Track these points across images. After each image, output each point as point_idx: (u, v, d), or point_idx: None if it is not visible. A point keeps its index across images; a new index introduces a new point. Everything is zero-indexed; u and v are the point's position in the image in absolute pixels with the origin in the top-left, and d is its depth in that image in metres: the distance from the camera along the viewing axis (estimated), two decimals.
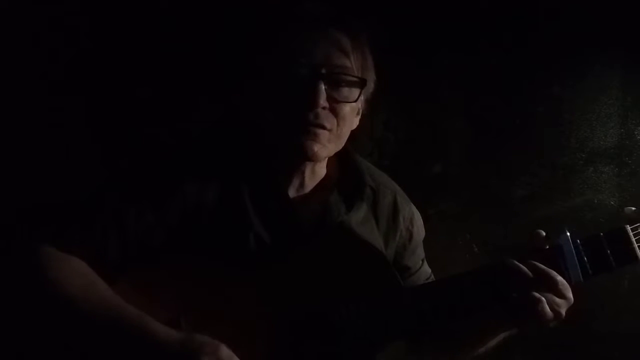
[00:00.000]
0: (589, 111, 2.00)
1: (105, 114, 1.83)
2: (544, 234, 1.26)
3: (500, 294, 1.22)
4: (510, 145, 2.00)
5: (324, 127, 1.24)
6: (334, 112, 1.25)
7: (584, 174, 2.01)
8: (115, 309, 1.11)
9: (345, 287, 1.21)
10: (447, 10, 1.91)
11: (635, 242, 1.23)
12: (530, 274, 1.20)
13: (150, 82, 1.83)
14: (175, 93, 1.84)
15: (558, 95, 1.99)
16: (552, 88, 1.99)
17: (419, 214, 1.49)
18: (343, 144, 1.32)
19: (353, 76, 1.26)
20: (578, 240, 1.24)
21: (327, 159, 1.34)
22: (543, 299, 1.18)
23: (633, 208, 1.26)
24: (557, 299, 1.20)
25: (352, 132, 1.34)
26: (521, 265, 1.21)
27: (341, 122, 1.26)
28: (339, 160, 1.39)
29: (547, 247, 1.25)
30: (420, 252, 1.49)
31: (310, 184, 1.35)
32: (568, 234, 1.24)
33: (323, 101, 1.22)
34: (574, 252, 1.23)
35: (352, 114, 1.30)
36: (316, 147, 1.24)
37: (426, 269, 1.49)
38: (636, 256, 1.23)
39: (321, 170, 1.36)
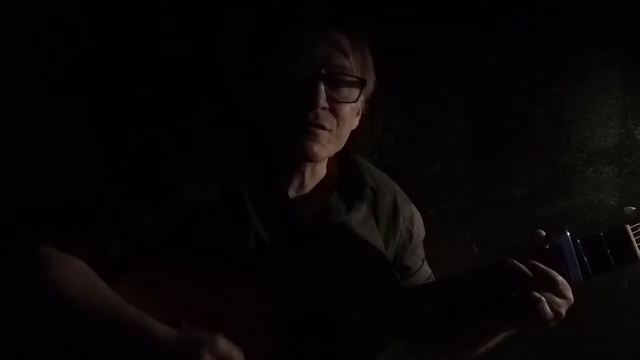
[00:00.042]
0: (589, 111, 2.00)
1: (105, 114, 1.83)
2: (544, 234, 1.26)
3: (500, 293, 1.22)
4: (510, 145, 2.00)
5: (323, 128, 1.24)
6: (334, 112, 1.25)
7: (584, 174, 2.01)
8: (115, 309, 1.11)
9: (345, 287, 1.21)
10: (447, 10, 1.91)
11: (635, 242, 1.23)
12: (530, 273, 1.20)
13: (150, 82, 1.83)
14: (175, 93, 1.84)
15: (558, 95, 1.99)
16: (552, 88, 1.99)
17: (419, 214, 1.49)
18: (343, 144, 1.32)
19: (353, 76, 1.26)
20: (578, 240, 1.24)
21: (327, 159, 1.34)
22: (543, 298, 1.18)
23: (633, 208, 1.26)
24: (557, 299, 1.20)
25: (352, 132, 1.34)
26: (521, 265, 1.21)
27: (341, 122, 1.26)
28: (339, 160, 1.39)
29: (547, 247, 1.25)
30: (421, 252, 1.49)
31: (310, 184, 1.35)
32: (568, 234, 1.24)
33: (323, 101, 1.22)
34: (574, 252, 1.23)
35: (352, 114, 1.30)
36: (316, 148, 1.24)
37: (426, 269, 1.49)
38: (636, 256, 1.23)
39: (321, 170, 1.36)
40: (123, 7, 1.81)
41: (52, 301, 1.11)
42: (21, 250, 1.15)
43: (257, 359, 1.14)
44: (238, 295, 1.20)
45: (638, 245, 1.23)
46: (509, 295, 1.21)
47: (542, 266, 1.21)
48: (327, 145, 1.26)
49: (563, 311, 1.21)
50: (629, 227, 1.24)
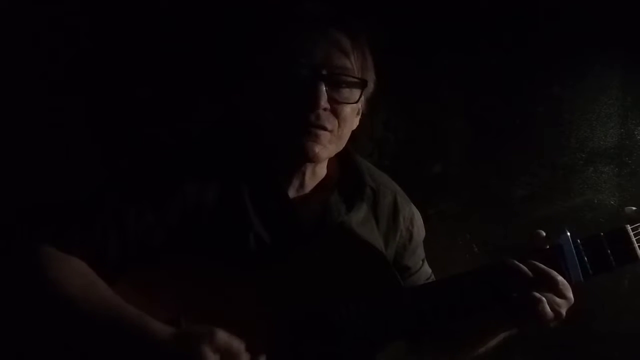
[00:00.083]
0: (589, 111, 2.00)
1: (105, 114, 1.83)
2: (544, 234, 1.26)
3: (500, 294, 1.22)
4: (510, 145, 2.00)
5: (324, 128, 1.24)
6: (335, 113, 1.25)
7: (584, 174, 2.01)
8: (115, 309, 1.11)
9: (346, 288, 1.21)
10: (447, 10, 1.91)
11: (635, 242, 1.23)
12: (530, 273, 1.20)
13: (150, 82, 1.83)
14: (175, 93, 1.84)
15: (558, 95, 1.99)
16: (552, 88, 1.99)
17: (419, 214, 1.49)
18: (344, 145, 1.32)
19: (354, 77, 1.26)
20: (578, 240, 1.24)
21: (327, 159, 1.34)
22: (543, 299, 1.18)
23: (633, 208, 1.26)
24: (558, 299, 1.20)
25: (353, 132, 1.34)
26: (521, 265, 1.21)
27: (342, 123, 1.26)
28: (340, 160, 1.39)
29: (547, 247, 1.25)
30: (421, 253, 1.49)
31: (310, 184, 1.35)
32: (568, 233, 1.24)
33: (324, 102, 1.22)
34: (574, 252, 1.23)
35: (352, 115, 1.30)
36: (317, 149, 1.24)
37: (426, 269, 1.49)
38: (636, 256, 1.23)
39: (321, 170, 1.36)
40: (123, 7, 1.81)
41: (52, 301, 1.11)
42: (21, 250, 1.15)
43: (258, 354, 1.14)
44: (238, 295, 1.20)
45: (638, 245, 1.23)
46: (509, 296, 1.21)
47: (543, 266, 1.21)
48: (328, 145, 1.26)
49: (563, 311, 1.21)
50: (629, 227, 1.24)
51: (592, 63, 1.97)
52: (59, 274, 1.13)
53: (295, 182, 1.33)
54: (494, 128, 2.00)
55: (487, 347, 1.36)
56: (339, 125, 1.26)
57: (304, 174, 1.33)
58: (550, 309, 1.18)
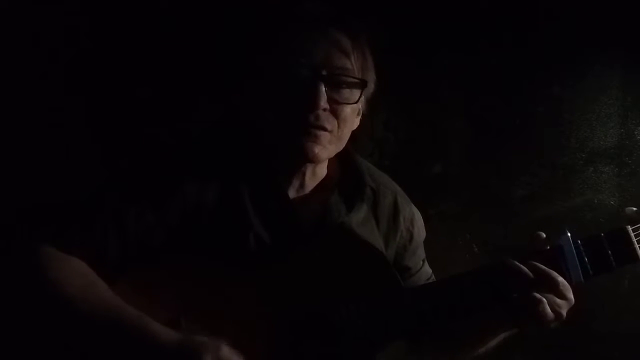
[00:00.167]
0: (589, 111, 2.00)
1: (105, 114, 1.83)
2: (544, 235, 1.26)
3: (500, 294, 1.22)
4: (510, 145, 2.00)
5: (324, 129, 1.23)
6: (335, 113, 1.24)
7: (584, 174, 2.01)
8: (115, 309, 1.11)
9: (346, 288, 1.21)
10: (447, 10, 1.91)
11: (636, 243, 1.23)
12: (530, 274, 1.20)
13: (150, 82, 1.83)
14: (175, 93, 1.84)
15: (558, 95, 1.99)
16: (552, 88, 1.99)
17: (419, 214, 1.49)
18: (344, 145, 1.32)
19: (354, 77, 1.26)
20: (579, 241, 1.24)
21: (327, 159, 1.34)
22: (544, 299, 1.18)
23: (634, 208, 1.26)
24: (558, 300, 1.20)
25: (353, 132, 1.33)
26: (521, 265, 1.21)
27: (342, 123, 1.26)
28: (340, 160, 1.39)
29: (548, 247, 1.25)
30: (421, 253, 1.49)
31: (310, 184, 1.35)
32: (568, 234, 1.24)
33: (324, 103, 1.22)
34: (574, 252, 1.23)
35: (352, 115, 1.30)
36: (317, 149, 1.24)
37: (427, 270, 1.49)
38: (637, 256, 1.23)
39: (322, 170, 1.36)
40: (123, 7, 1.81)
41: (52, 301, 1.11)
42: (21, 250, 1.15)
43: (258, 358, 1.14)
44: (238, 296, 1.19)
45: (639, 246, 1.23)
46: (510, 296, 1.21)
47: (543, 267, 1.21)
48: (328, 146, 1.26)
49: (564, 312, 1.21)
50: (629, 228, 1.24)
51: (592, 63, 1.97)
52: (59, 274, 1.12)
53: (295, 183, 1.33)
54: (494, 128, 2.00)
55: (487, 347, 1.36)
56: (339, 126, 1.26)
57: (304, 174, 1.33)
58: (551, 309, 1.18)
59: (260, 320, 1.18)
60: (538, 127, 2.00)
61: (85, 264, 1.16)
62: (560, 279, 1.20)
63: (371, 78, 1.31)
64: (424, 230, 1.49)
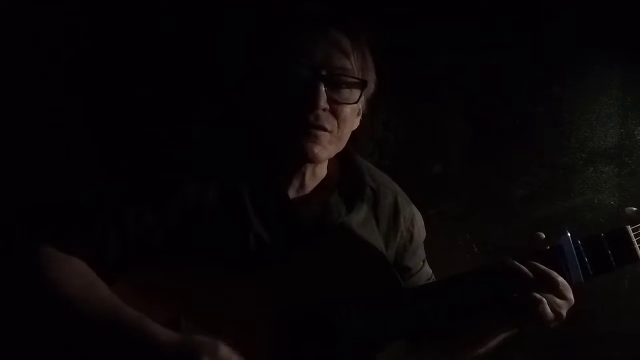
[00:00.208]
0: (589, 111, 2.00)
1: (105, 114, 1.83)
2: (544, 236, 1.26)
3: (500, 294, 1.22)
4: (510, 145, 2.00)
5: (324, 129, 1.23)
6: (335, 113, 1.24)
7: (584, 174, 2.01)
8: (114, 310, 1.11)
9: (346, 288, 1.21)
10: (447, 10, 1.91)
11: (636, 243, 1.23)
12: (530, 274, 1.20)
13: (150, 82, 1.83)
14: (175, 93, 1.84)
15: (558, 95, 1.99)
16: (552, 88, 1.99)
17: (419, 214, 1.49)
18: (344, 145, 1.32)
19: (353, 77, 1.26)
20: (579, 241, 1.24)
21: (327, 159, 1.34)
22: (544, 299, 1.18)
23: (634, 208, 1.26)
24: (558, 300, 1.20)
25: (353, 132, 1.33)
26: (521, 265, 1.21)
27: (342, 123, 1.26)
28: (340, 160, 1.39)
29: (548, 247, 1.25)
30: (421, 253, 1.49)
31: (310, 184, 1.35)
32: (569, 234, 1.24)
33: (323, 103, 1.22)
34: (574, 252, 1.23)
35: (352, 115, 1.30)
36: (317, 149, 1.24)
37: (427, 270, 1.49)
38: (637, 256, 1.23)
39: (322, 171, 1.36)
40: (123, 7, 1.81)
41: (52, 302, 1.11)
42: (21, 250, 1.15)
43: (258, 358, 1.14)
44: (238, 296, 1.19)
45: (639, 246, 1.23)
46: (510, 296, 1.21)
47: (543, 267, 1.21)
48: (328, 146, 1.26)
49: (564, 312, 1.21)
50: (629, 228, 1.24)
51: (592, 63, 1.97)
52: (59, 275, 1.12)
53: (295, 183, 1.33)
54: (494, 128, 2.00)
55: (487, 347, 1.37)
56: (339, 126, 1.26)
57: (304, 175, 1.33)
58: (551, 309, 1.18)
59: (260, 320, 1.18)
60: (538, 127, 2.00)
61: (85, 264, 1.16)
62: (560, 279, 1.20)
63: (371, 78, 1.31)
64: (424, 230, 1.49)
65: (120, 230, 1.19)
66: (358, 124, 1.36)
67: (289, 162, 1.30)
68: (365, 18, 1.38)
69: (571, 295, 1.21)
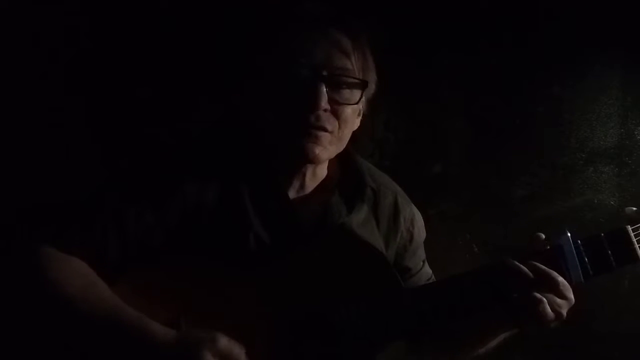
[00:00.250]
0: (589, 111, 2.00)
1: (105, 114, 1.83)
2: (544, 236, 1.26)
3: (500, 294, 1.22)
4: (510, 145, 2.00)
5: (325, 130, 1.23)
6: (335, 114, 1.24)
7: (584, 174, 2.01)
8: (114, 310, 1.11)
9: (346, 288, 1.21)
10: (447, 10, 1.91)
11: (636, 243, 1.23)
12: (530, 274, 1.20)
13: (150, 82, 1.83)
14: (175, 93, 1.84)
15: (558, 95, 1.99)
16: (552, 88, 1.99)
17: (420, 214, 1.49)
18: (344, 146, 1.32)
19: (354, 78, 1.25)
20: (579, 241, 1.24)
21: (328, 160, 1.34)
22: (544, 299, 1.18)
23: (634, 208, 1.26)
24: (558, 300, 1.20)
25: (353, 132, 1.33)
26: (521, 265, 1.21)
27: (342, 124, 1.26)
28: (340, 161, 1.38)
29: (548, 247, 1.25)
30: (421, 253, 1.49)
31: (310, 185, 1.34)
32: (569, 234, 1.24)
33: (324, 103, 1.21)
34: (574, 252, 1.23)
35: (353, 116, 1.29)
36: (317, 150, 1.24)
37: (427, 270, 1.49)
38: (637, 256, 1.23)
39: (322, 171, 1.36)
40: (123, 7, 1.81)
41: (52, 302, 1.11)
42: (21, 250, 1.15)
43: (258, 358, 1.14)
44: (238, 296, 1.19)
45: (639, 246, 1.23)
46: (510, 296, 1.21)
47: (543, 267, 1.21)
48: (329, 147, 1.26)
49: (564, 312, 1.21)
50: (629, 228, 1.24)
51: (592, 63, 1.97)
52: (59, 275, 1.12)
53: (296, 183, 1.33)
54: (494, 128, 2.00)
55: (487, 347, 1.37)
56: (340, 127, 1.25)
57: (304, 175, 1.32)
58: (551, 309, 1.18)
59: (260, 320, 1.18)
60: (538, 127, 2.00)
61: (85, 264, 1.16)
62: (560, 278, 1.20)
63: (372, 78, 1.31)
64: (424, 230, 1.49)
65: (120, 230, 1.19)
66: (358, 124, 1.35)
67: (289, 162, 1.30)
68: (366, 18, 1.38)
69: (571, 295, 1.21)
